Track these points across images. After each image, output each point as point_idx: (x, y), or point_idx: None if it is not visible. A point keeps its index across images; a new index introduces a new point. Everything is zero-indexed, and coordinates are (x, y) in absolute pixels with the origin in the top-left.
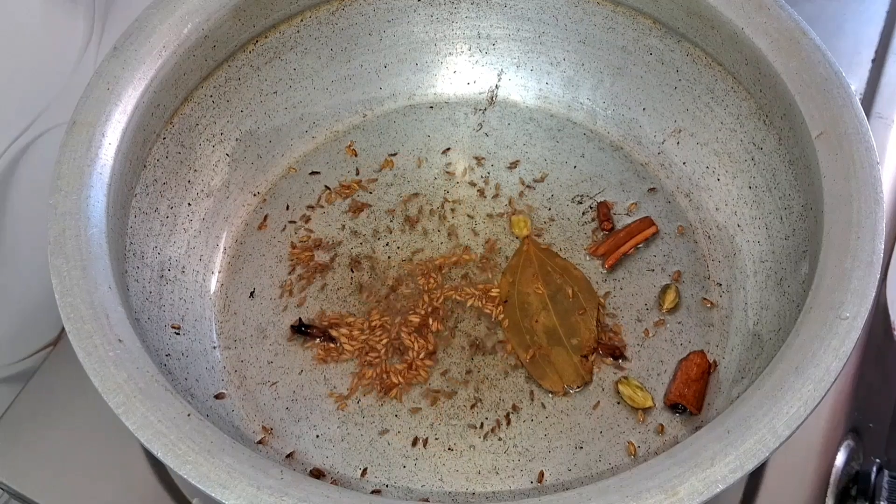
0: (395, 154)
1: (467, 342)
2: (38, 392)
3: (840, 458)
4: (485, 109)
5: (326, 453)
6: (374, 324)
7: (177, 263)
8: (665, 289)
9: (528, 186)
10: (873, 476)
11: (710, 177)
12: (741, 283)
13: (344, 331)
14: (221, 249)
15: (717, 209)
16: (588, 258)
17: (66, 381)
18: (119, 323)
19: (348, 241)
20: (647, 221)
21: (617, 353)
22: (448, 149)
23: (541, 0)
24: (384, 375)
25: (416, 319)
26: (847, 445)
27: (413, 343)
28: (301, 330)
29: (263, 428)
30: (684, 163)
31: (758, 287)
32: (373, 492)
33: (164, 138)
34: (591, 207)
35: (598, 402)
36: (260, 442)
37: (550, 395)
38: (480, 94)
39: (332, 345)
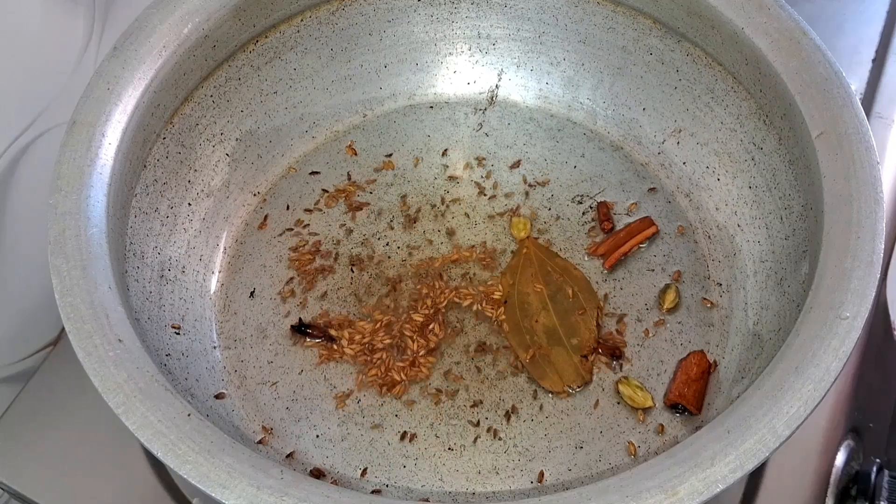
0: (395, 154)
1: (467, 342)
2: (38, 392)
3: (840, 458)
4: (485, 109)
5: (326, 453)
6: (374, 323)
7: (177, 263)
8: (665, 289)
9: (529, 186)
10: (873, 476)
11: (710, 177)
12: (741, 283)
13: (345, 331)
14: (221, 249)
15: (717, 209)
16: (588, 258)
17: (66, 381)
18: (119, 323)
19: (348, 242)
20: (647, 221)
21: (617, 353)
22: (448, 149)
23: (541, 0)
24: (387, 373)
25: (418, 318)
26: (847, 445)
27: (414, 342)
28: (301, 330)
29: (263, 428)
30: (684, 163)
31: (758, 287)
32: (373, 492)
33: (165, 138)
34: (591, 207)
35: (598, 402)
36: (260, 442)
37: (550, 395)
38: (480, 94)
39: (332, 345)
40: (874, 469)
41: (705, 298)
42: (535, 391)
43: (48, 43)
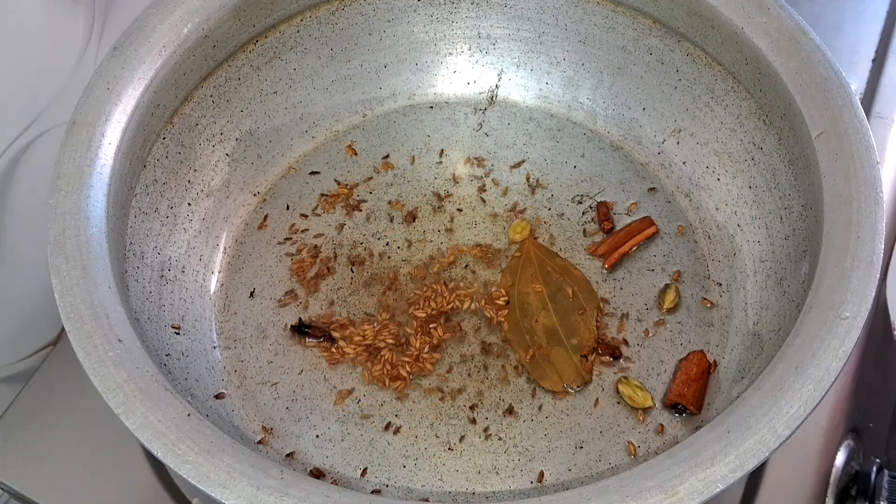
0: (394, 154)
1: (467, 343)
2: (38, 392)
3: (840, 458)
4: (485, 109)
5: (326, 453)
6: (375, 323)
7: (177, 263)
8: (665, 289)
9: (529, 186)
10: (873, 476)
11: (710, 176)
12: (741, 282)
13: (346, 331)
14: (221, 249)
15: (717, 209)
16: (588, 258)
17: (66, 381)
18: (119, 323)
19: (348, 242)
20: (647, 221)
21: (617, 353)
22: (448, 149)
23: (541, 0)
24: (392, 368)
25: (421, 314)
26: (847, 445)
27: (417, 339)
28: (301, 330)
29: (263, 428)
30: (684, 162)
31: (758, 287)
32: (373, 492)
33: (164, 138)
34: (591, 207)
35: (598, 401)
36: (260, 442)
37: (550, 394)
38: (480, 93)
39: (332, 345)
40: (874, 469)
41: (705, 298)
42: (535, 391)
43: (48, 43)
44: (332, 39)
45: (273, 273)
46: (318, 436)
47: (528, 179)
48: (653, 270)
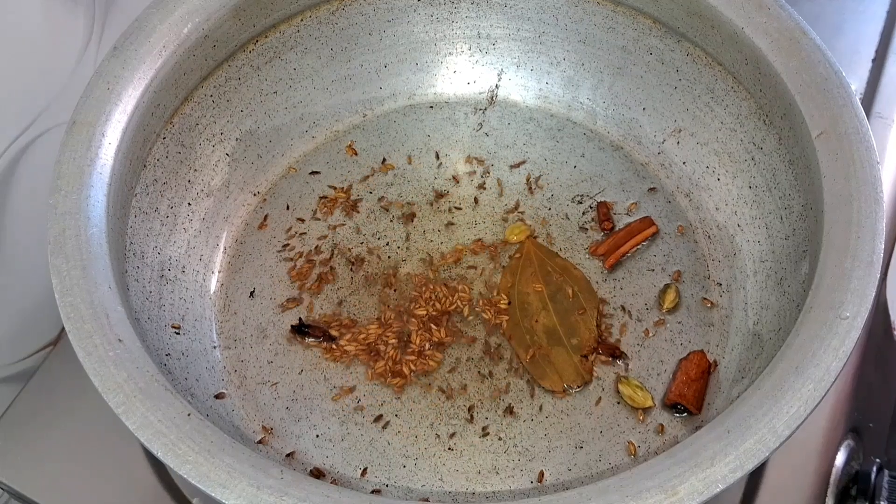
0: (394, 154)
1: (467, 342)
2: (38, 392)
3: (840, 458)
4: (485, 109)
5: (326, 453)
6: (376, 323)
7: (177, 263)
8: (665, 289)
9: (528, 186)
10: (873, 476)
11: (710, 176)
12: (741, 282)
13: (347, 331)
14: (221, 249)
15: (717, 209)
16: (588, 258)
17: (66, 381)
18: (119, 323)
19: (348, 242)
20: (647, 221)
21: (617, 353)
22: (448, 149)
23: (541, 0)
24: (395, 365)
25: (422, 312)
26: (847, 445)
27: (418, 336)
28: (301, 330)
29: (263, 428)
30: (684, 162)
31: (758, 287)
32: (373, 491)
33: (164, 138)
34: (591, 207)
35: (599, 401)
36: (260, 442)
37: (550, 394)
38: (480, 93)
39: (332, 344)
40: (874, 469)
41: (705, 298)
42: (535, 391)
43: (48, 43)
44: (332, 39)
45: (273, 273)
46: (318, 436)
47: (528, 179)
48: (653, 270)
